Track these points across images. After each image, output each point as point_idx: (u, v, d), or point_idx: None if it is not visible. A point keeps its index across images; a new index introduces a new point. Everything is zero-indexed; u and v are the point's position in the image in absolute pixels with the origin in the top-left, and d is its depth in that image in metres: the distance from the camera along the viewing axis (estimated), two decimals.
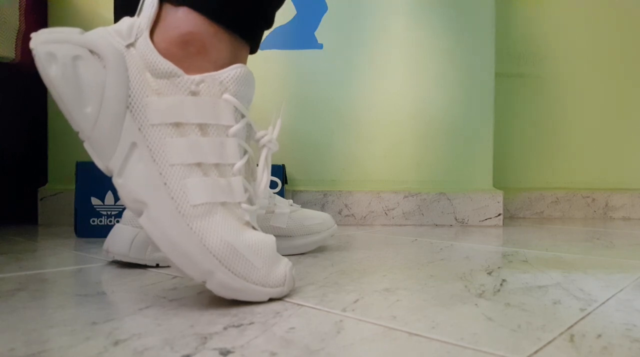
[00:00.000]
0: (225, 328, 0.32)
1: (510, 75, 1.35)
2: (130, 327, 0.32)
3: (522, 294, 0.42)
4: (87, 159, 0.86)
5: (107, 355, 0.27)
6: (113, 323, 0.33)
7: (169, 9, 0.40)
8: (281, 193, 0.87)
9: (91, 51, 0.37)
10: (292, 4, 1.07)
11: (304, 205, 1.04)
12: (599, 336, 0.31)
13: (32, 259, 0.59)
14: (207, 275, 0.36)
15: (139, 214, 0.37)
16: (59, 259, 0.59)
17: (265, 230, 0.62)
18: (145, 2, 0.40)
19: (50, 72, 0.35)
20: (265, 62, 1.07)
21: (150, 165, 0.37)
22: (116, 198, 0.80)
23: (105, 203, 0.79)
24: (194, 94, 0.39)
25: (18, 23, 0.89)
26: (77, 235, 0.79)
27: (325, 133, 1.08)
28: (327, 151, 1.08)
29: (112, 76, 0.37)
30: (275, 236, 0.63)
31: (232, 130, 0.40)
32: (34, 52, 0.35)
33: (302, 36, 1.08)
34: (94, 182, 0.79)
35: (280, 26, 1.07)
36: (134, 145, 0.37)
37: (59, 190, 1.00)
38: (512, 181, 1.35)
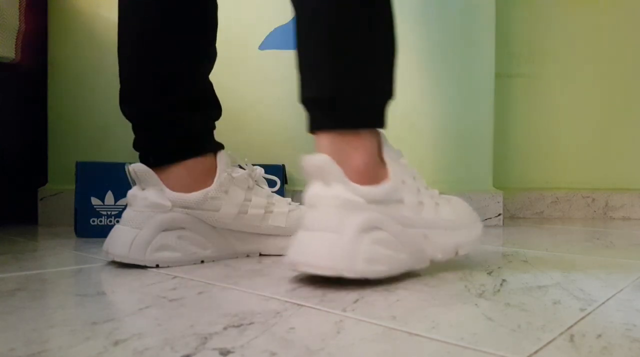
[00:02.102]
0: (225, 328, 0.32)
1: (510, 75, 1.34)
2: (130, 327, 0.32)
3: (522, 294, 0.42)
4: (87, 159, 0.86)
5: (107, 355, 0.27)
6: (113, 323, 0.33)
7: None
8: (281, 192, 0.87)
9: None
10: None
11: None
12: (599, 336, 0.31)
13: (32, 259, 0.59)
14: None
15: None
16: (59, 259, 0.59)
17: (265, 230, 0.62)
18: None
19: None
20: (265, 62, 1.07)
21: None
22: (116, 198, 0.80)
23: (105, 203, 0.79)
24: None
25: (18, 23, 0.89)
26: (77, 235, 0.79)
27: None
28: None
29: None
30: (274, 235, 0.63)
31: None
32: None
33: None
34: (94, 182, 0.79)
35: (280, 26, 1.07)
36: None
37: (59, 190, 1.00)
38: (512, 180, 1.35)
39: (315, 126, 0.50)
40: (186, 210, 0.56)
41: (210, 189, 0.58)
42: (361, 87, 0.49)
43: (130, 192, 0.56)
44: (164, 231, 0.54)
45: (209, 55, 0.64)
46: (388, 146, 0.52)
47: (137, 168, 0.55)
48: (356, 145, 0.48)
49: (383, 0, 0.51)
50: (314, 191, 0.47)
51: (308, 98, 0.50)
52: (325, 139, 0.49)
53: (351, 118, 0.48)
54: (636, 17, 1.34)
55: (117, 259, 0.54)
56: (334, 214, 0.45)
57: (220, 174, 0.59)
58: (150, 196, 0.54)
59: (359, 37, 0.48)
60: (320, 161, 0.46)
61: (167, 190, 0.55)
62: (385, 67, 0.51)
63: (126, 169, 0.56)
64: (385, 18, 0.51)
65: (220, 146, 0.62)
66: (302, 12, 0.49)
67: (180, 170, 0.57)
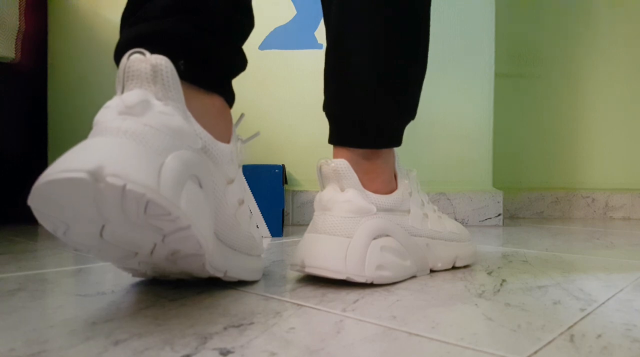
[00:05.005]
0: (225, 328, 0.32)
1: (510, 75, 1.35)
2: (130, 327, 0.32)
3: (522, 294, 0.42)
4: None
5: (107, 355, 0.27)
6: (113, 323, 0.33)
7: None
8: (281, 193, 0.87)
9: None
10: (292, 4, 1.07)
11: (304, 205, 1.04)
12: (599, 336, 0.31)
13: (32, 259, 0.59)
14: None
15: None
16: (59, 259, 0.59)
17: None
18: None
19: None
20: (265, 62, 1.07)
21: None
22: None
23: None
24: None
25: (18, 23, 0.89)
26: None
27: (325, 133, 1.07)
28: (327, 151, 1.08)
29: None
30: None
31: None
32: None
33: (302, 36, 1.08)
34: None
35: (280, 26, 1.07)
36: None
37: None
38: (512, 180, 1.35)
39: (342, 142, 0.51)
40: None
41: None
42: (394, 113, 0.51)
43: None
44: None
45: None
46: (398, 160, 0.54)
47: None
48: (374, 159, 0.50)
49: (426, 34, 0.57)
50: (328, 195, 0.47)
51: (339, 114, 0.51)
52: (345, 150, 0.51)
53: (379, 140, 0.50)
54: (635, 17, 1.34)
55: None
56: (346, 218, 0.45)
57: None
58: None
59: (404, 69, 0.50)
60: (339, 166, 0.47)
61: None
62: (416, 95, 0.54)
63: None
64: (426, 50, 0.56)
65: None
66: (352, 35, 0.49)
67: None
